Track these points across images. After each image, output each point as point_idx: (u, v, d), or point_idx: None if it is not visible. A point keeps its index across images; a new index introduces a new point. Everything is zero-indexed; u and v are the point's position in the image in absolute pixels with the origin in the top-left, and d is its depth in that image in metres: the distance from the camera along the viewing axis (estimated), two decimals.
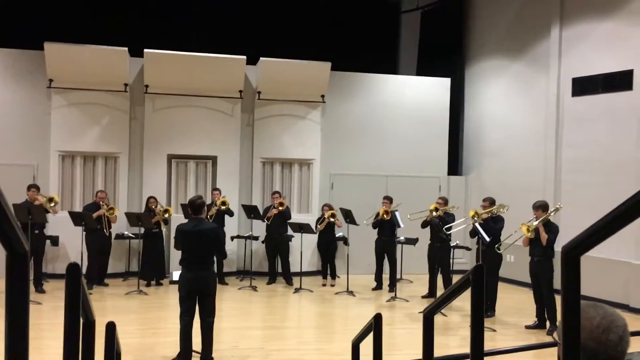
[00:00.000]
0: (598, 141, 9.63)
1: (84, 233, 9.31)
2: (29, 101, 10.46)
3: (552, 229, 7.49)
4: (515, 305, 8.88)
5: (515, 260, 10.25)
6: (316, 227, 10.36)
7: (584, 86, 9.96)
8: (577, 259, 1.13)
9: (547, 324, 7.58)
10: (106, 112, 10.60)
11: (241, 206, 10.78)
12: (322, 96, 11.38)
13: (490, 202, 8.48)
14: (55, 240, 9.97)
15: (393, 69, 13.16)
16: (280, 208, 10.15)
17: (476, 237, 8.33)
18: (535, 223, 7.42)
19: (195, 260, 5.71)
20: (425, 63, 12.91)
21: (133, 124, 10.88)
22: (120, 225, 10.23)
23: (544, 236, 7.38)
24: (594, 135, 9.70)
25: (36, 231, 8.97)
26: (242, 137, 11.29)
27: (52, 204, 9.15)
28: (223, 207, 9.98)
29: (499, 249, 7.90)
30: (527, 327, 7.73)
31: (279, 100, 11.27)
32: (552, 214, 7.53)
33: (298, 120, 11.44)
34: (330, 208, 10.27)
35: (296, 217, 10.69)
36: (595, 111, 9.73)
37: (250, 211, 10.30)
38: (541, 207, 7.52)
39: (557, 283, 8.06)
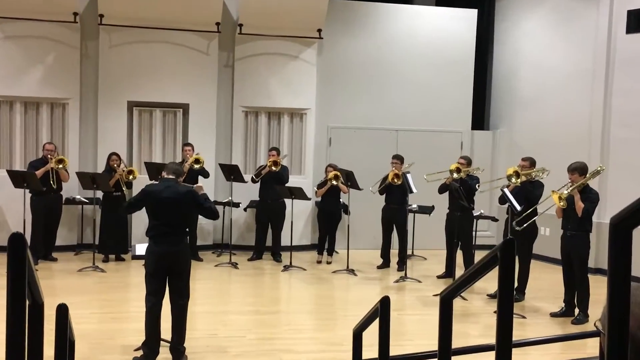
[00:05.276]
0: None
1: (30, 195, 9.30)
2: None
3: (590, 197, 7.41)
4: (549, 288, 8.99)
5: (550, 233, 10.33)
6: (316, 192, 10.38)
7: None
8: (629, 232, 1.14)
9: (576, 310, 7.63)
10: (51, 48, 10.48)
11: (218, 165, 10.79)
12: (319, 31, 11.26)
13: (531, 162, 8.49)
14: None
15: None
16: (274, 168, 10.15)
17: (506, 204, 8.30)
18: (568, 190, 7.41)
19: (164, 230, 5.71)
20: None
21: (85, 63, 10.77)
22: (71, 188, 10.22)
23: (579, 206, 7.32)
24: None
25: None
26: (219, 81, 11.21)
27: None
28: (196, 167, 9.97)
29: (519, 225, 7.84)
30: (553, 314, 7.81)
31: (265, 36, 11.15)
32: (590, 178, 7.44)
33: (289, 60, 11.35)
34: (335, 169, 10.21)
35: None
36: None
37: (230, 172, 10.29)
38: (577, 169, 7.43)
39: (592, 261, 8.15)
